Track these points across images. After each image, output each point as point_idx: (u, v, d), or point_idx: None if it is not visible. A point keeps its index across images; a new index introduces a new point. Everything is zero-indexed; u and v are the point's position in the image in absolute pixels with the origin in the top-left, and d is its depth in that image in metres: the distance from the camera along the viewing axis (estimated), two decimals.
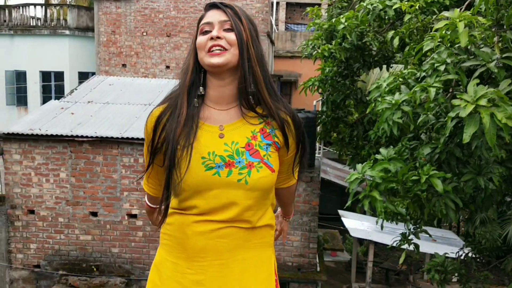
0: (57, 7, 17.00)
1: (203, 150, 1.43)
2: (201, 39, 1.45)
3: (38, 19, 16.62)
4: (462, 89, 3.54)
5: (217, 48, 1.41)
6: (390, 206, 3.90)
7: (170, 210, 1.51)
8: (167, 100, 1.49)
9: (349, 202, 4.10)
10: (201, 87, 1.46)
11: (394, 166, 3.74)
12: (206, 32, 1.45)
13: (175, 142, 1.41)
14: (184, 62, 1.51)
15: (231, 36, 1.42)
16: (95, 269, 8.10)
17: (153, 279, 1.55)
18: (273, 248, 1.60)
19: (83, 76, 15.76)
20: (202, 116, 1.47)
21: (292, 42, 20.72)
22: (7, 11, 16.63)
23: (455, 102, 3.15)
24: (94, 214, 8.18)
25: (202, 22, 1.47)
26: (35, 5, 16.95)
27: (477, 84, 3.12)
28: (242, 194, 1.43)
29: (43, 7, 17.04)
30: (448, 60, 3.44)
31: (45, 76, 16.35)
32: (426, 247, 7.89)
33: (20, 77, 16.43)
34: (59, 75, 16.17)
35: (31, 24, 16.51)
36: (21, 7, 16.59)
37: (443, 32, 3.39)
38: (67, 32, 16.07)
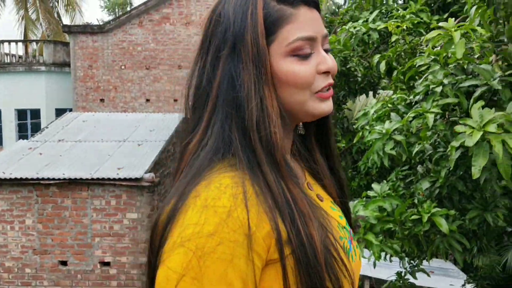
0: (36, 43, 16.80)
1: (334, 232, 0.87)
2: (304, 70, 0.82)
3: (13, 55, 16.48)
4: (459, 113, 3.19)
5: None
6: (387, 249, 3.55)
7: None
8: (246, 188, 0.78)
9: None
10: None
11: (390, 204, 3.41)
12: (306, 57, 0.83)
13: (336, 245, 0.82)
14: (249, 108, 0.80)
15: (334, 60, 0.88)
16: None
17: None
18: None
19: (60, 113, 15.31)
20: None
21: None
22: None
23: (458, 128, 2.69)
24: (64, 263, 7.68)
25: (299, 35, 0.82)
26: (9, 41, 16.78)
27: (482, 107, 2.70)
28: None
29: (18, 43, 16.92)
30: (445, 81, 3.05)
31: (21, 114, 16.14)
32: (424, 280, 7.57)
33: None
34: (36, 113, 15.96)
35: (6, 61, 16.29)
36: None
37: (436, 42, 3.01)
38: (43, 68, 15.91)
